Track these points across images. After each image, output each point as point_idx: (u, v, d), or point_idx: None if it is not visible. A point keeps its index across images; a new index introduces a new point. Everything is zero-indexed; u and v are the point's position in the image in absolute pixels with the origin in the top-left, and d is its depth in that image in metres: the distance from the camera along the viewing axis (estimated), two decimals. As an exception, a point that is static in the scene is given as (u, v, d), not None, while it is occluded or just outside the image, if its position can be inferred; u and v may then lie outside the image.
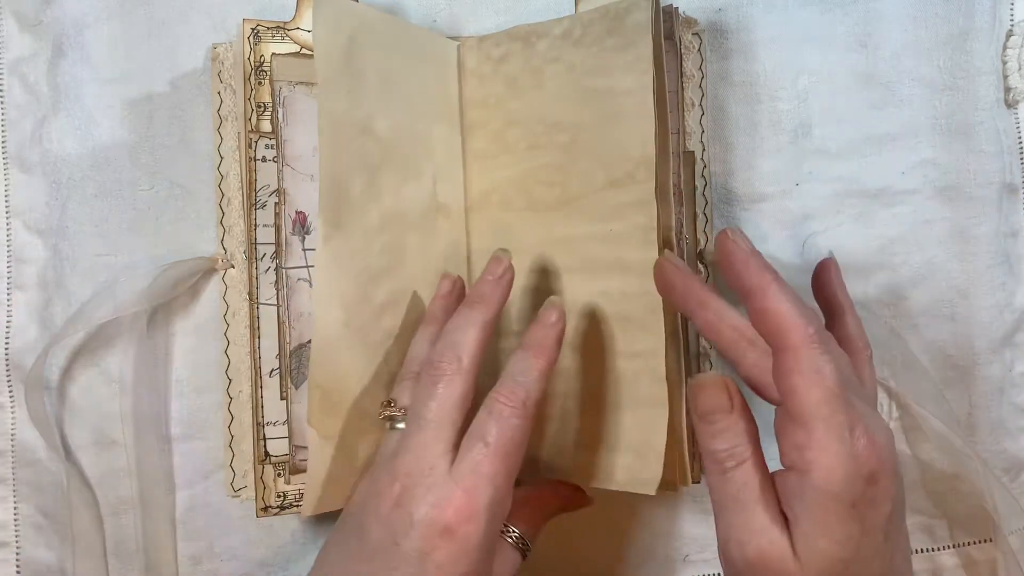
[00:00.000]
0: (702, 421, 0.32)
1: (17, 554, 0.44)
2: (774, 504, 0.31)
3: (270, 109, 0.41)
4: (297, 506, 0.41)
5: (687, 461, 0.41)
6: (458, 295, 0.40)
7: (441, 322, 0.37)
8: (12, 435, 0.44)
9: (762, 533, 0.31)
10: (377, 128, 0.40)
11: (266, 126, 0.41)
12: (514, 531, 0.36)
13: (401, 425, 0.36)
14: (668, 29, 0.41)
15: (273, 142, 0.41)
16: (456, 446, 0.33)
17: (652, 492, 0.38)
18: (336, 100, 0.38)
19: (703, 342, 0.43)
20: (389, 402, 0.37)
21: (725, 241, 0.33)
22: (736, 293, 0.33)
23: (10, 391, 0.44)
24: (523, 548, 0.37)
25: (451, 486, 0.32)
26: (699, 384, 0.33)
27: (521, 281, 0.42)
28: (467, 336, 0.35)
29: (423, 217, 0.42)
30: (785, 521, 0.31)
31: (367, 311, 0.39)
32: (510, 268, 0.37)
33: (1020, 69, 0.46)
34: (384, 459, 0.35)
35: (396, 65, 0.40)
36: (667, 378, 0.39)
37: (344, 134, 0.38)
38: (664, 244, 0.39)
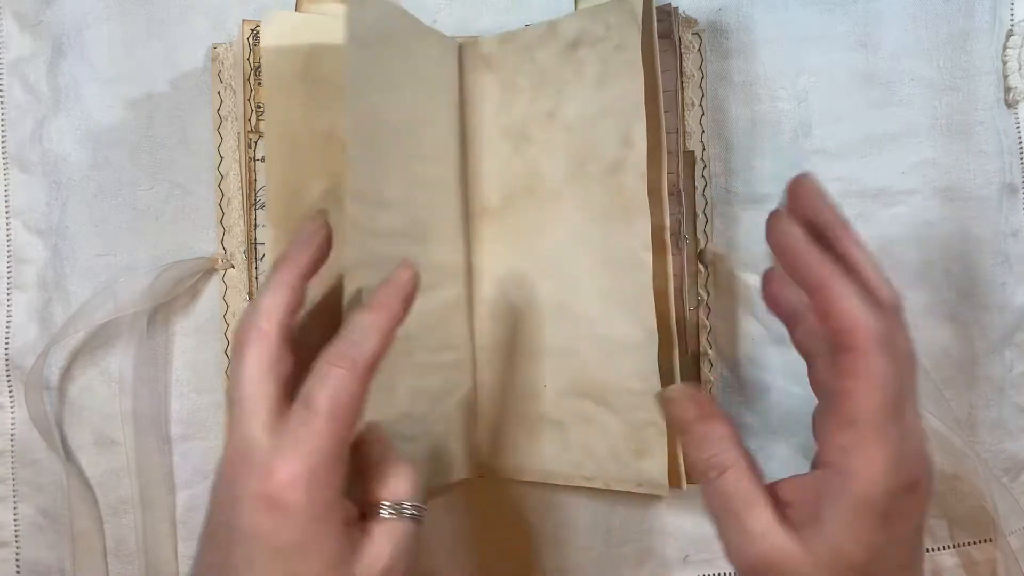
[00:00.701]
0: (678, 433, 0.32)
1: (17, 554, 0.44)
2: (769, 506, 0.31)
3: (270, 109, 0.41)
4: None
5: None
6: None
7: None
8: (12, 435, 0.44)
9: (763, 538, 0.30)
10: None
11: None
12: (386, 503, 0.33)
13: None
14: (666, 28, 0.41)
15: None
16: (278, 414, 0.31)
17: (667, 494, 0.38)
18: (290, 108, 0.38)
19: (703, 342, 0.43)
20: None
21: (777, 233, 0.31)
22: (797, 284, 0.31)
23: (10, 391, 0.44)
24: (410, 515, 0.33)
25: (271, 456, 0.30)
26: (666, 398, 0.33)
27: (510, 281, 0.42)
28: (271, 299, 0.32)
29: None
30: (787, 520, 0.30)
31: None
32: (325, 226, 0.35)
33: (1020, 69, 0.46)
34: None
35: (404, 62, 0.40)
36: (664, 378, 0.39)
37: (299, 140, 0.38)
38: (660, 244, 0.40)
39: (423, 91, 0.41)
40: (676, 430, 0.32)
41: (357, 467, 0.33)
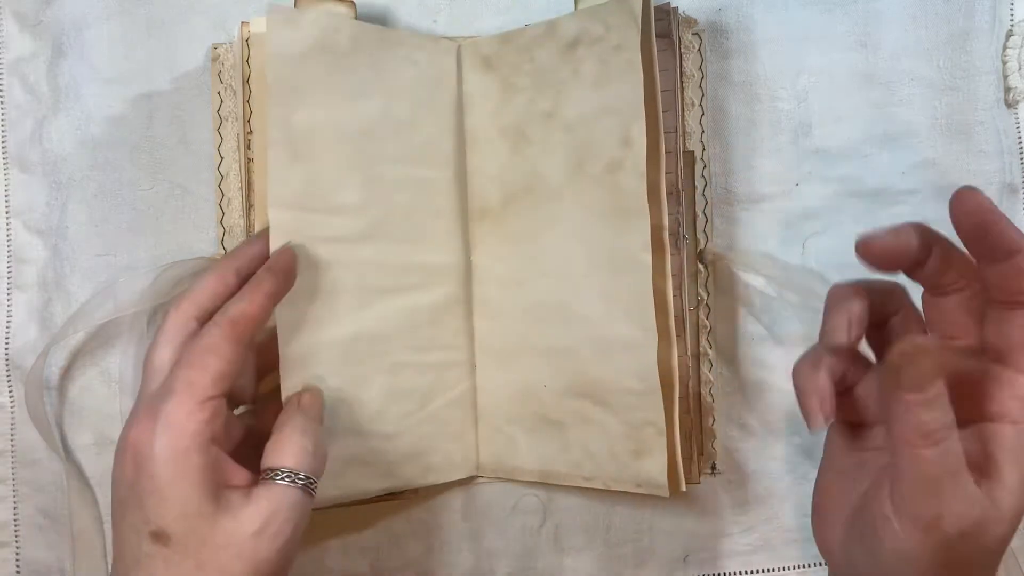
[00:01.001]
0: (912, 391, 0.29)
1: (17, 554, 0.44)
2: (970, 469, 0.30)
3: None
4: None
5: (695, 459, 0.41)
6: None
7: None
8: (12, 435, 0.44)
9: (976, 501, 0.30)
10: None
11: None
12: (273, 468, 0.34)
13: None
14: (664, 28, 0.41)
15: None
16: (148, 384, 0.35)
17: (666, 494, 0.38)
18: (294, 109, 0.38)
19: (703, 342, 0.43)
20: None
21: (968, 201, 0.32)
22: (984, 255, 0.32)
23: (10, 391, 0.44)
24: (299, 485, 0.34)
25: (137, 409, 0.33)
26: (910, 351, 0.30)
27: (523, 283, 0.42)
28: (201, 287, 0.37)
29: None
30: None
31: None
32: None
33: (1020, 69, 0.46)
34: None
35: (372, 70, 0.40)
36: (664, 378, 0.39)
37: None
38: (658, 244, 0.40)
39: (402, 96, 0.41)
40: (911, 387, 0.29)
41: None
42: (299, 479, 0.33)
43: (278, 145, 0.38)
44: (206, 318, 0.35)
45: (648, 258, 0.39)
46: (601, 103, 0.40)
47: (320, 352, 0.39)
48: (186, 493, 0.31)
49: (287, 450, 0.34)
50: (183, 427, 0.32)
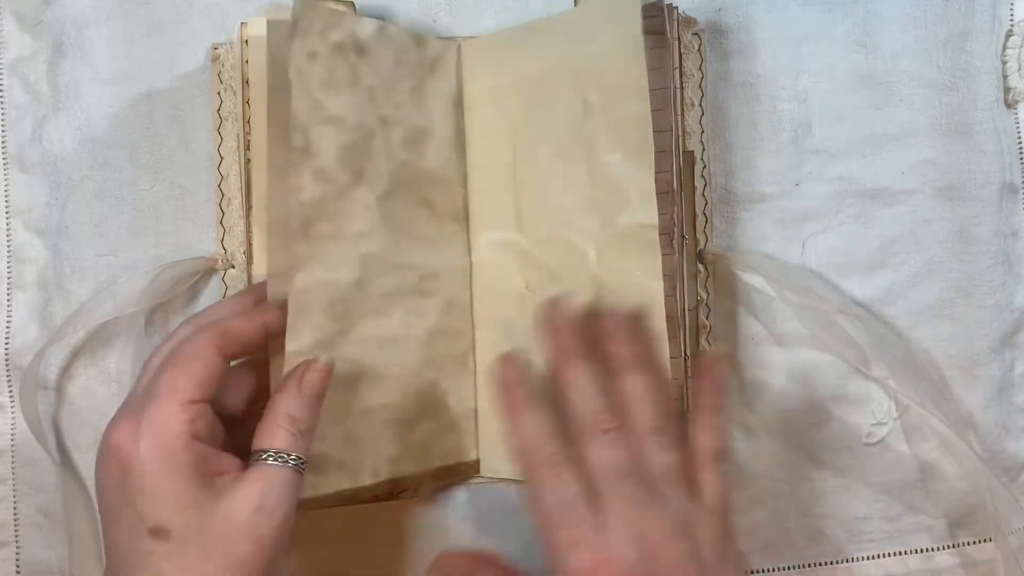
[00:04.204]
0: None
1: (17, 554, 0.44)
2: None
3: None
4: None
5: None
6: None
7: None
8: (12, 435, 0.44)
9: None
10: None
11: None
12: (262, 450, 0.34)
13: None
14: (658, 25, 0.40)
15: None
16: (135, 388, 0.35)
17: None
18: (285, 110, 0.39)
19: (703, 342, 0.43)
20: None
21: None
22: None
23: (10, 391, 0.44)
24: (291, 465, 0.34)
25: (119, 413, 0.33)
26: None
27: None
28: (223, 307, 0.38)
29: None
30: None
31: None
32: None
33: (1020, 69, 0.46)
34: None
35: (373, 70, 0.41)
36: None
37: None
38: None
39: (402, 96, 0.41)
40: None
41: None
42: (290, 459, 0.34)
43: (277, 145, 0.38)
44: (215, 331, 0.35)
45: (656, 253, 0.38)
46: (600, 95, 0.40)
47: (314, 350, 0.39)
48: (178, 486, 0.32)
49: (277, 432, 0.34)
50: (166, 426, 0.32)
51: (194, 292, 0.44)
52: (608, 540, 0.32)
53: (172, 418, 0.32)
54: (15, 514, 0.44)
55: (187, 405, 0.33)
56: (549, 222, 0.41)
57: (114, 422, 0.33)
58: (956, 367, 0.45)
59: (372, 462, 0.40)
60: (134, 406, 0.33)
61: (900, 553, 0.46)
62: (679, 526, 0.33)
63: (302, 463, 0.34)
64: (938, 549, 0.46)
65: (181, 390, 0.33)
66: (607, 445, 0.34)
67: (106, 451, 0.33)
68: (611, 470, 0.33)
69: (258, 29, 0.41)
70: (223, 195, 0.43)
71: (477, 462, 0.43)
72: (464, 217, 0.43)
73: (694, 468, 0.35)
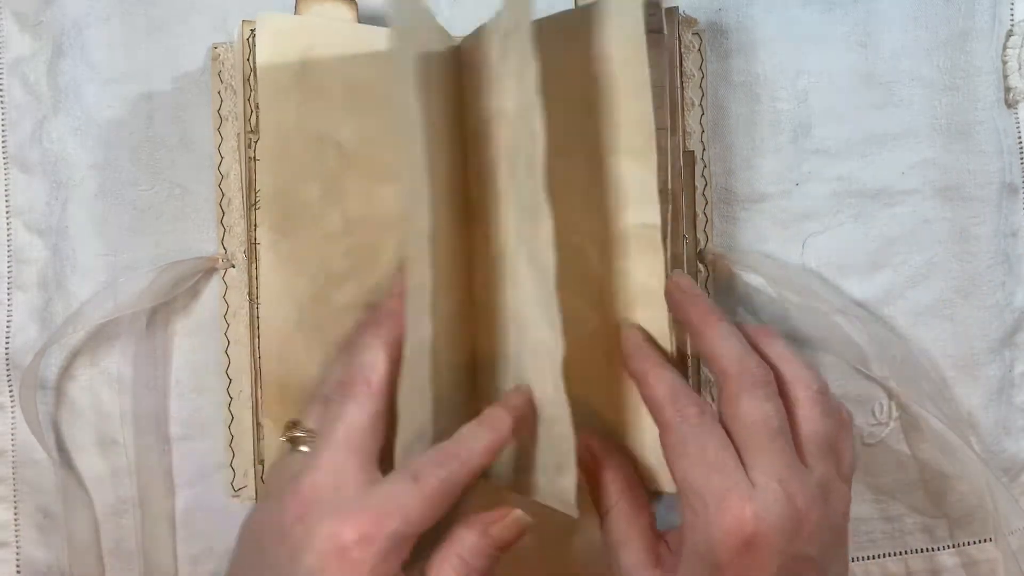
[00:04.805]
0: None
1: (17, 554, 0.44)
2: (641, 547, 0.35)
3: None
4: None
5: None
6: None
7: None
8: (12, 435, 0.44)
9: (629, 573, 0.35)
10: (340, 135, 0.40)
11: (266, 126, 0.41)
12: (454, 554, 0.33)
13: (304, 448, 0.34)
14: (656, 23, 0.40)
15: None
16: (367, 470, 0.33)
17: (574, 514, 0.35)
18: (285, 112, 0.39)
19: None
20: (295, 423, 0.35)
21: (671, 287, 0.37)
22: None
23: (10, 391, 0.44)
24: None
25: (358, 507, 0.31)
26: (582, 444, 0.36)
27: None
28: (376, 357, 0.34)
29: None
30: (660, 562, 0.34)
31: (326, 312, 0.40)
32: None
33: (1020, 69, 0.46)
34: (284, 479, 0.33)
35: (368, 74, 0.41)
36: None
37: (294, 144, 0.39)
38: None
39: (400, 96, 0.41)
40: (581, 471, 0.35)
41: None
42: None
43: (268, 151, 0.39)
44: (391, 392, 0.33)
45: (549, 255, 0.35)
46: (603, 88, 0.38)
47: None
48: None
49: (445, 571, 0.33)
50: (401, 549, 0.31)
51: (194, 292, 0.44)
52: (758, 495, 0.32)
53: (408, 540, 0.32)
54: (15, 514, 0.44)
55: (425, 527, 0.32)
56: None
57: (352, 517, 0.31)
58: (956, 367, 0.45)
59: None
60: (370, 507, 0.31)
61: (900, 553, 0.46)
62: (822, 493, 0.33)
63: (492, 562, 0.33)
64: (938, 549, 0.46)
65: (427, 514, 0.32)
66: (763, 399, 0.33)
67: (334, 544, 0.31)
68: (763, 426, 0.33)
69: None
70: (223, 195, 0.43)
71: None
72: (464, 220, 0.43)
73: (837, 437, 0.35)
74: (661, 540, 0.35)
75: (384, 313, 0.35)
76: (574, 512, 0.35)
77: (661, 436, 0.34)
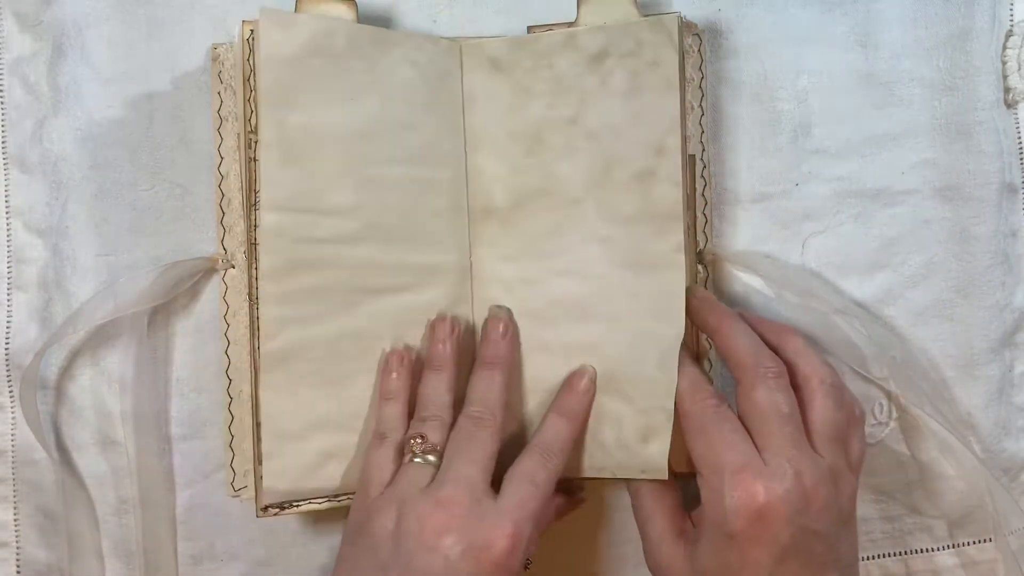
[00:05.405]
0: None
1: (17, 554, 0.44)
2: (667, 521, 0.39)
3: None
4: (298, 505, 0.41)
5: None
6: (458, 336, 0.42)
7: (452, 367, 0.41)
8: (12, 435, 0.44)
9: (656, 545, 0.39)
10: (340, 134, 0.40)
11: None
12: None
13: (431, 458, 0.38)
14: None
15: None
16: (489, 488, 0.37)
17: (665, 477, 0.39)
18: (285, 111, 0.39)
19: (703, 340, 0.43)
20: (420, 437, 0.38)
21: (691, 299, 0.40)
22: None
23: (10, 392, 0.44)
24: (528, 564, 0.40)
25: (503, 519, 0.36)
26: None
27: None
28: (496, 395, 0.40)
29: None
30: (684, 536, 0.39)
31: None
32: (511, 323, 0.42)
33: (1020, 69, 0.46)
34: (415, 489, 0.37)
35: (368, 73, 0.41)
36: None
37: (294, 143, 0.40)
38: (688, 245, 0.41)
39: (400, 97, 0.41)
40: None
41: None
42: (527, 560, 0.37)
43: (271, 147, 0.39)
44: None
45: (681, 259, 0.40)
46: (632, 114, 0.41)
47: (304, 349, 0.40)
48: None
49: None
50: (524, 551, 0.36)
51: (194, 292, 0.44)
52: (768, 471, 0.35)
53: (535, 535, 0.38)
54: (15, 514, 0.44)
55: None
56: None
57: (495, 527, 0.36)
58: (956, 367, 0.45)
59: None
60: (504, 516, 0.36)
61: (900, 553, 0.46)
62: (830, 475, 0.36)
63: (530, 561, 0.41)
64: (938, 549, 0.46)
65: (539, 516, 0.38)
66: (775, 389, 0.37)
67: (487, 555, 0.35)
68: (775, 412, 0.36)
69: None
70: (223, 195, 0.43)
71: None
72: (464, 218, 0.43)
73: (848, 429, 0.38)
74: (686, 517, 0.40)
75: (492, 355, 0.41)
76: (664, 474, 0.40)
77: (685, 421, 0.38)
